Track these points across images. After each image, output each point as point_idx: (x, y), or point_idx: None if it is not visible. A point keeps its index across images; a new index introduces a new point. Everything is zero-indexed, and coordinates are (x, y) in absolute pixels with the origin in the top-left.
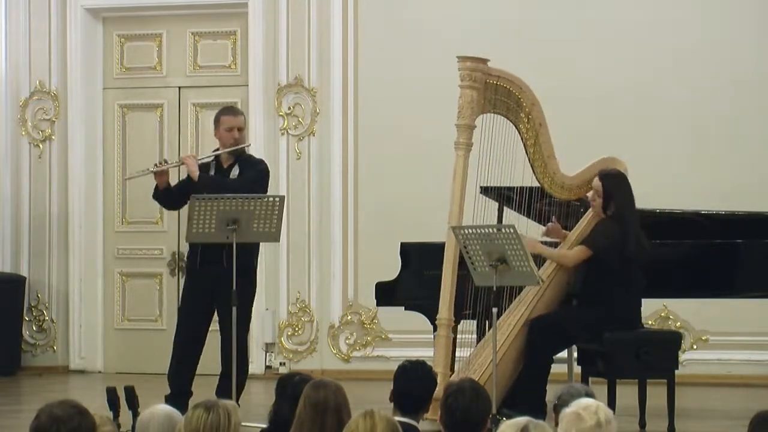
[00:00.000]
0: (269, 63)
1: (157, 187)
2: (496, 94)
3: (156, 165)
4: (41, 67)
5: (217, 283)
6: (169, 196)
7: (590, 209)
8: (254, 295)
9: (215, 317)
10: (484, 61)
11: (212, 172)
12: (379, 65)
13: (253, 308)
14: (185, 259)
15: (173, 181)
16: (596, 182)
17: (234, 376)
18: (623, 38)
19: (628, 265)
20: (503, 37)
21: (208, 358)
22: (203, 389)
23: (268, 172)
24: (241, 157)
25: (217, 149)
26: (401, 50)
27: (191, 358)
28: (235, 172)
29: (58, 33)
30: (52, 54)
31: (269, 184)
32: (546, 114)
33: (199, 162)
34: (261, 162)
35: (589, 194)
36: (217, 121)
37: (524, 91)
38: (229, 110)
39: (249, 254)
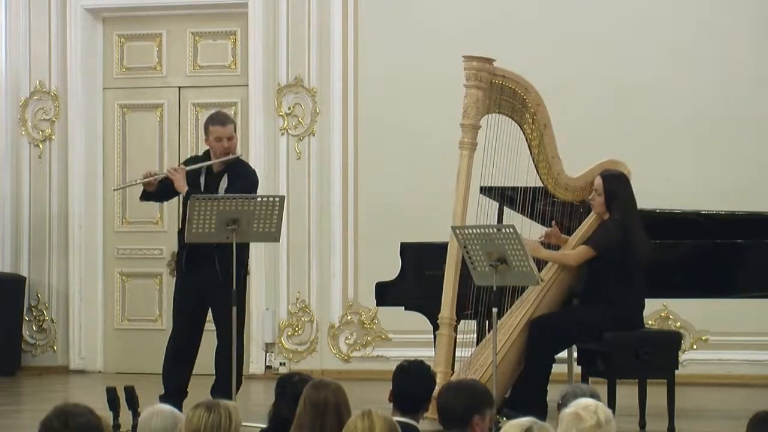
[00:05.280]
0: (269, 63)
1: (144, 191)
2: (502, 95)
3: (144, 176)
4: (41, 67)
5: (209, 284)
6: (156, 195)
7: (592, 212)
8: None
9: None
10: (490, 61)
11: (203, 177)
12: (379, 65)
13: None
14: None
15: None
16: (598, 181)
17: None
18: (621, 38)
19: (631, 266)
20: (503, 37)
21: (204, 357)
22: (199, 389)
23: (257, 181)
24: (231, 164)
25: (207, 151)
26: (401, 50)
27: (186, 358)
28: (224, 182)
29: (58, 33)
30: (52, 54)
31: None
32: None
33: (188, 169)
34: (252, 172)
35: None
36: (206, 129)
37: (530, 92)
38: (218, 120)
39: (242, 252)
